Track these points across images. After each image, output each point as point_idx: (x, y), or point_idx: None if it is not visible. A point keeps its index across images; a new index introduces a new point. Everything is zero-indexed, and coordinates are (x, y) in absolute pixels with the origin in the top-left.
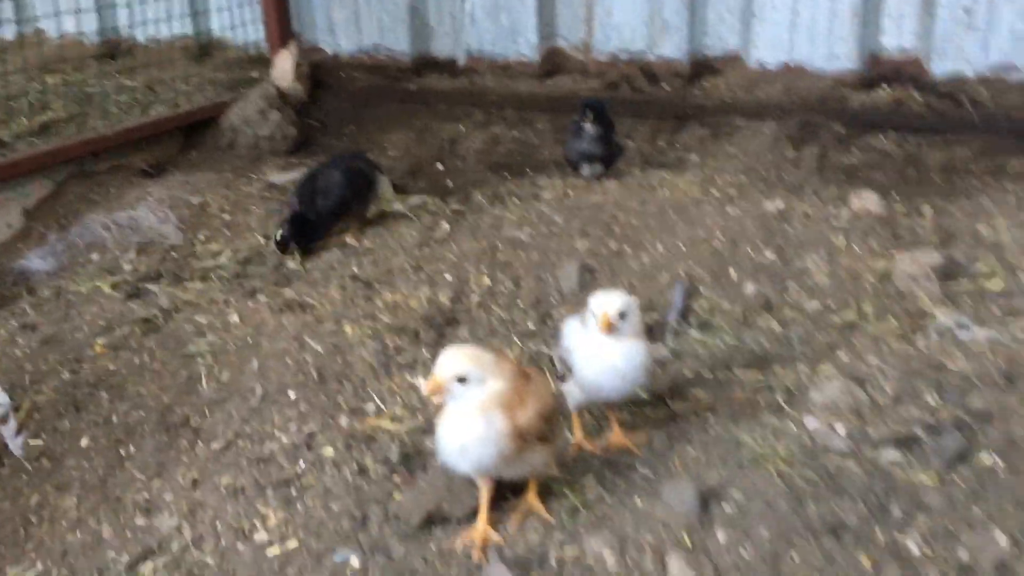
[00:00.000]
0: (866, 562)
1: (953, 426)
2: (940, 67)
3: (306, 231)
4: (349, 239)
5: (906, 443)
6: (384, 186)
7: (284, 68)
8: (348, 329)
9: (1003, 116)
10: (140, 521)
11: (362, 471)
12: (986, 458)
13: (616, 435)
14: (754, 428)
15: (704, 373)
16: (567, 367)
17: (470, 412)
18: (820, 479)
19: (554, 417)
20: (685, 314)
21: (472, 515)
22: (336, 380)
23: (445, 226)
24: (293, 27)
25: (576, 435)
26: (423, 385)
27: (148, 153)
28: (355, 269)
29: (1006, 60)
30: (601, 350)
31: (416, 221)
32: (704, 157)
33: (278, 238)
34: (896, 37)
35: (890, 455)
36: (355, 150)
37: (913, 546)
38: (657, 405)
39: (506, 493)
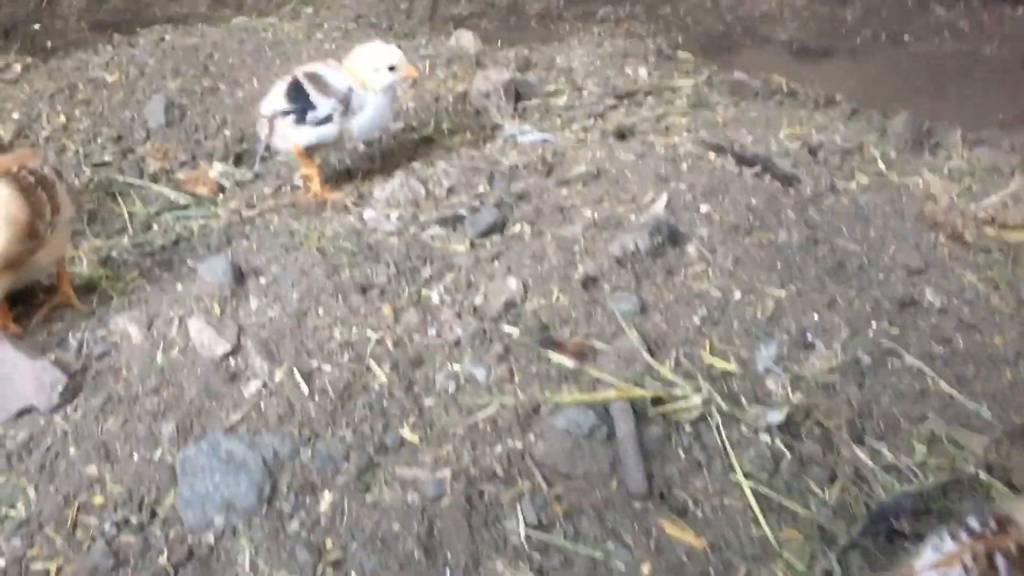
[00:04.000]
0: (387, 311)
1: (494, 206)
2: None
3: None
4: None
5: (450, 222)
6: None
7: None
8: None
9: None
10: None
11: None
12: (515, 227)
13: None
14: (312, 222)
15: (283, 188)
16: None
17: None
18: (359, 252)
19: (32, 229)
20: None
21: None
22: None
23: (17, 67)
24: None
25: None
26: None
27: None
28: None
29: None
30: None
31: None
32: (318, 7)
33: None
34: None
35: (433, 231)
36: None
37: (435, 296)
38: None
39: (37, 293)
